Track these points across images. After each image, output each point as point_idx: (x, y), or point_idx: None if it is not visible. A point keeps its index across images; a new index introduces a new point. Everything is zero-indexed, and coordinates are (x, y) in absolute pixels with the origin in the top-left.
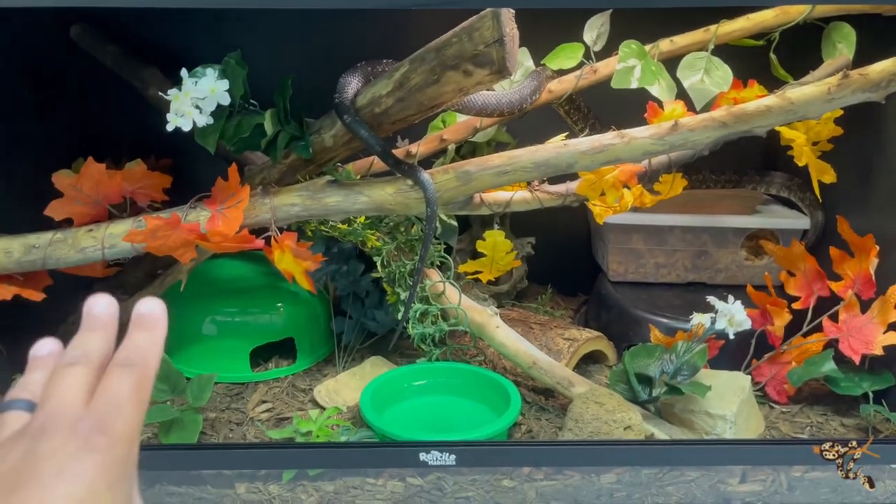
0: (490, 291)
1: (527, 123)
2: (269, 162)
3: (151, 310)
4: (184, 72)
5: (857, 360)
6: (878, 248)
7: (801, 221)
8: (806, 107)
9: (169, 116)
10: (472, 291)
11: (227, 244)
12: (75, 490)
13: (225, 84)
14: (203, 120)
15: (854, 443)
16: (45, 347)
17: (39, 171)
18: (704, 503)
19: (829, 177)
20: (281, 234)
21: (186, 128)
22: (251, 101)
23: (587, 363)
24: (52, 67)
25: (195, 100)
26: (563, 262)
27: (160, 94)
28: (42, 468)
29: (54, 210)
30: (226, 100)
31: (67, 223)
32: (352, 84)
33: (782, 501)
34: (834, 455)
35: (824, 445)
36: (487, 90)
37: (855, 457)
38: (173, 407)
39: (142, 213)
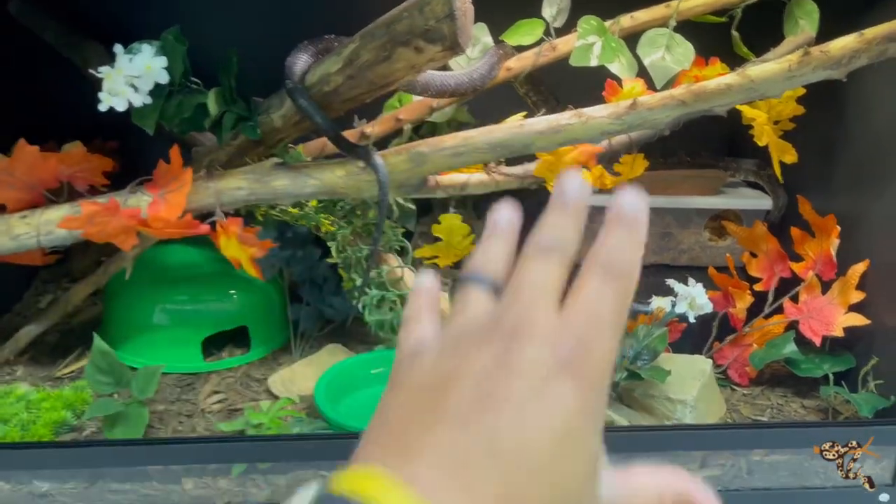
0: (452, 276)
1: (489, 102)
2: (217, 143)
3: (634, 206)
4: (118, 48)
5: (817, 341)
6: (839, 228)
7: (763, 202)
8: (766, 85)
9: (101, 96)
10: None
11: (170, 230)
12: (552, 419)
13: (162, 61)
14: (139, 99)
15: (854, 443)
16: (504, 215)
17: None
18: None
19: (791, 157)
20: (227, 218)
21: (121, 108)
22: (194, 79)
23: None
24: None
25: (129, 78)
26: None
27: (91, 71)
28: (517, 385)
29: None
30: (163, 78)
31: (0, 209)
32: (299, 65)
33: (742, 485)
34: (834, 455)
35: (824, 445)
36: (442, 68)
37: (855, 457)
38: (118, 400)
39: (81, 198)
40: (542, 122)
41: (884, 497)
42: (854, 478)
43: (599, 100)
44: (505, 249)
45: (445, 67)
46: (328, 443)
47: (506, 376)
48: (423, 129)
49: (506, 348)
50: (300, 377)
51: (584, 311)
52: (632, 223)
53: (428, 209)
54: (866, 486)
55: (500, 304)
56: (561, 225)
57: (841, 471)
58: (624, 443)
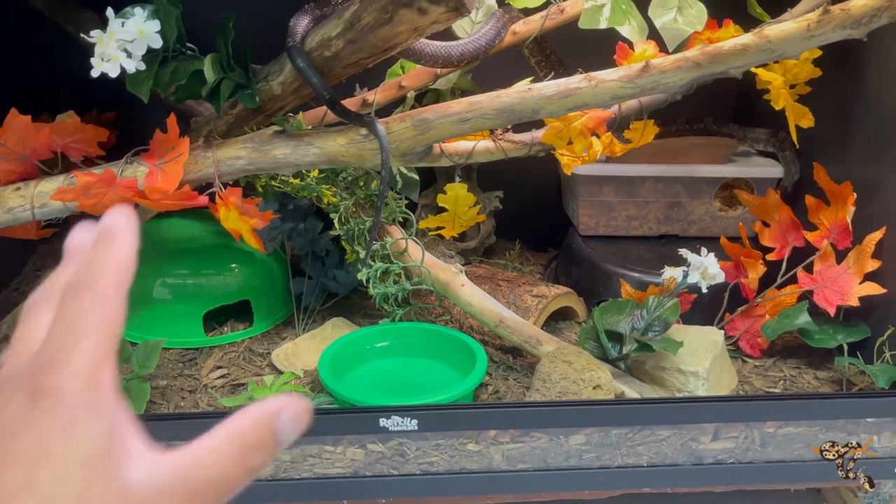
0: (457, 248)
1: (492, 68)
2: (215, 113)
3: (112, 221)
4: (109, 11)
5: (832, 311)
6: (855, 195)
7: (775, 170)
8: (784, 45)
9: (93, 61)
10: (438, 248)
11: (168, 202)
12: (23, 449)
13: (155, 25)
14: (132, 65)
15: (854, 443)
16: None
17: None
18: (676, 462)
19: (808, 121)
20: (226, 189)
21: (113, 73)
22: (189, 45)
23: (557, 320)
24: None
25: (122, 42)
26: (533, 216)
27: (83, 35)
28: None
29: None
30: (157, 42)
31: None
32: (301, 26)
33: (755, 458)
34: (834, 455)
35: (824, 445)
36: (445, 32)
37: (855, 457)
38: (119, 376)
39: (75, 169)
40: (552, 86)
41: None
42: (854, 478)
43: (609, 65)
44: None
45: (449, 31)
46: (333, 417)
47: None
48: (427, 96)
49: None
50: (303, 351)
51: (56, 331)
52: (106, 237)
53: (432, 180)
54: (866, 485)
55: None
56: (93, 260)
57: (841, 470)
58: (635, 416)
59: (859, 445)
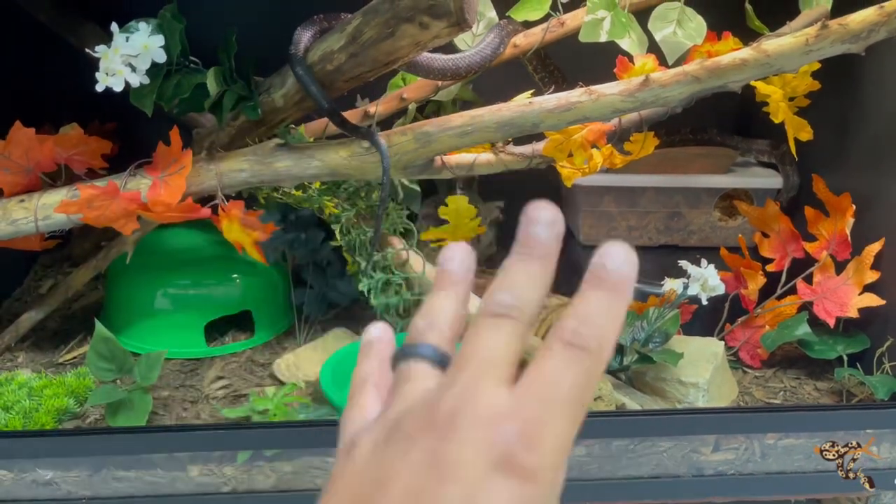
0: None
1: (494, 80)
2: (217, 125)
3: (619, 267)
4: (114, 26)
5: (831, 322)
6: (854, 207)
7: (774, 181)
8: (783, 59)
9: (98, 76)
10: (435, 258)
11: (171, 214)
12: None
13: (159, 40)
14: (137, 79)
15: (854, 443)
16: (455, 260)
17: None
18: (677, 473)
19: (806, 134)
20: (228, 201)
21: (118, 88)
22: (192, 58)
23: None
24: None
25: (126, 57)
26: None
27: (87, 51)
28: (448, 492)
29: None
30: (161, 57)
31: None
32: (306, 37)
33: (756, 469)
34: (834, 455)
35: (824, 445)
36: (447, 44)
37: (855, 457)
38: (121, 387)
39: (79, 181)
40: (552, 99)
41: None
42: (854, 478)
43: (608, 77)
44: (453, 307)
45: (450, 43)
46: (334, 429)
47: (437, 480)
48: (427, 107)
49: (439, 443)
50: (305, 362)
51: (538, 390)
52: (613, 289)
53: (432, 190)
54: (866, 485)
55: (442, 383)
56: (521, 281)
57: (841, 471)
58: (635, 427)
59: (859, 445)
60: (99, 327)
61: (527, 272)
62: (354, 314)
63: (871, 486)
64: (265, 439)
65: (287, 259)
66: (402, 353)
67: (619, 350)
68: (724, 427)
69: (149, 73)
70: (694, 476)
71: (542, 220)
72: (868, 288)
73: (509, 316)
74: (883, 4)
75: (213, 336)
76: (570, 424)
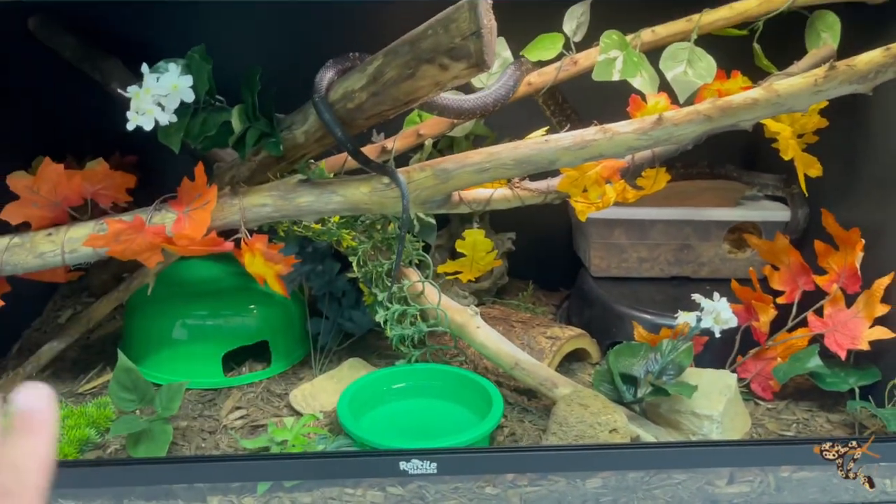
0: (471, 288)
1: (506, 116)
2: (239, 159)
3: (36, 406)
4: (144, 67)
5: (842, 355)
6: (863, 241)
7: (782, 214)
8: (793, 99)
9: (129, 115)
10: (452, 289)
11: (195, 248)
12: None
13: (188, 80)
14: (166, 118)
15: (854, 443)
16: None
17: None
18: None
19: (815, 170)
20: (251, 235)
21: (148, 127)
22: (217, 96)
23: (570, 361)
24: (7, 62)
25: (157, 97)
26: (545, 256)
27: (119, 91)
28: None
29: (10, 213)
30: (189, 96)
31: (25, 227)
32: (327, 77)
33: (770, 502)
34: (834, 455)
35: (824, 445)
36: (466, 83)
37: (855, 457)
38: (142, 417)
39: (104, 215)
40: (568, 137)
41: None
42: (854, 478)
43: (621, 114)
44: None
45: (467, 82)
46: (353, 460)
47: None
48: (441, 142)
49: None
50: (321, 392)
51: None
52: (32, 427)
53: (446, 221)
54: (866, 485)
55: None
56: None
57: (841, 470)
58: (651, 459)
59: (860, 445)
60: (122, 358)
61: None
62: (369, 344)
63: (871, 486)
64: (285, 470)
65: (304, 290)
66: None
67: (633, 382)
68: (739, 459)
69: (177, 111)
70: None
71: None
72: (878, 321)
73: None
74: (889, 46)
75: (230, 366)
76: None
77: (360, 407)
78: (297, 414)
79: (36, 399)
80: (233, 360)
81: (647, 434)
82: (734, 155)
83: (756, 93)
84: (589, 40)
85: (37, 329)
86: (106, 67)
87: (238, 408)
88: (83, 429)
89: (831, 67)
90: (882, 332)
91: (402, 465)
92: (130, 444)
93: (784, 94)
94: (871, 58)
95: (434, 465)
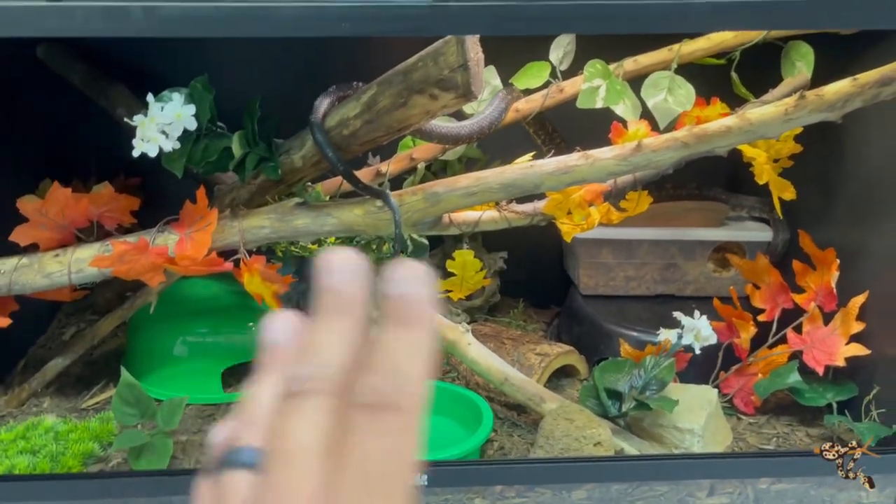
0: (463, 306)
1: (497, 140)
2: (239, 182)
3: (414, 292)
4: (150, 97)
5: (820, 371)
6: (838, 261)
7: (765, 234)
8: (764, 127)
9: (135, 142)
10: (445, 307)
11: (196, 268)
12: None
13: (191, 109)
14: (169, 145)
15: (854, 443)
16: (280, 330)
17: (4, 195)
18: None
19: (790, 194)
20: (250, 256)
21: (153, 154)
22: (219, 123)
23: (559, 377)
24: (15, 86)
25: (161, 125)
26: (536, 275)
27: (126, 119)
28: None
29: (20, 235)
30: (192, 124)
31: (33, 248)
32: (325, 104)
33: None
34: (834, 455)
35: (824, 445)
36: (456, 111)
37: (855, 457)
38: (144, 432)
39: (109, 236)
40: (552, 163)
41: None
42: (854, 478)
43: (604, 138)
44: (271, 393)
45: (458, 109)
46: None
47: None
48: (434, 165)
49: None
50: None
51: (352, 478)
52: (410, 319)
53: (439, 242)
54: (866, 485)
55: (256, 494)
56: (322, 345)
57: (841, 471)
58: (633, 472)
59: (859, 445)
60: (124, 374)
61: (328, 332)
62: None
63: (871, 486)
64: None
65: (300, 308)
66: (220, 462)
67: (618, 397)
68: (719, 472)
69: (180, 138)
70: None
71: (339, 269)
72: (854, 338)
73: (312, 391)
74: (857, 77)
75: (230, 382)
76: (401, 496)
77: None
78: None
79: (414, 282)
80: (232, 377)
81: (631, 447)
82: (719, 177)
83: (730, 121)
84: (574, 69)
85: (42, 346)
86: (113, 94)
87: None
88: (87, 443)
89: (801, 97)
90: (858, 349)
91: None
92: (133, 458)
93: (756, 122)
94: (839, 88)
95: (424, 477)
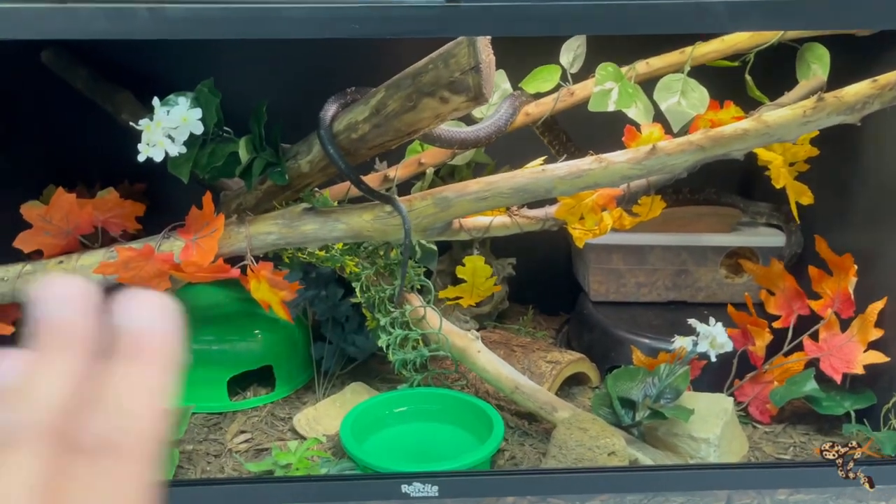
0: (471, 313)
1: (506, 144)
2: (245, 188)
3: (148, 326)
4: (156, 101)
5: (838, 379)
6: (856, 266)
7: (778, 239)
8: (782, 130)
9: (140, 147)
10: (454, 314)
11: (202, 274)
12: None
13: (197, 113)
14: (175, 150)
15: (854, 443)
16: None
17: (8, 201)
18: None
19: (807, 198)
20: (257, 262)
21: (158, 158)
22: (225, 127)
23: (570, 385)
24: (20, 92)
25: (167, 129)
26: (545, 281)
27: (131, 123)
28: None
29: (23, 242)
30: (198, 129)
31: (37, 255)
32: (332, 109)
33: None
34: (834, 455)
35: (824, 445)
36: (465, 115)
37: (855, 457)
38: None
39: (114, 242)
40: (564, 167)
41: None
42: (854, 478)
43: (616, 142)
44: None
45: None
46: (356, 483)
47: None
48: (442, 170)
49: None
50: (324, 416)
51: None
52: (146, 356)
53: (447, 247)
54: (866, 485)
55: None
56: (41, 382)
57: (841, 470)
58: (649, 482)
59: (860, 445)
60: None
61: (45, 371)
62: (371, 368)
63: (871, 486)
64: (289, 493)
65: (307, 315)
66: None
67: (632, 406)
68: (736, 483)
69: (186, 143)
70: None
71: (60, 298)
72: (873, 345)
73: (22, 441)
74: (877, 78)
75: (235, 391)
76: None
77: (363, 430)
78: (301, 438)
79: (149, 313)
80: (238, 385)
81: (645, 457)
82: (732, 182)
83: (746, 124)
84: (585, 72)
85: None
86: (118, 99)
87: (243, 431)
88: None
89: (819, 99)
90: (876, 357)
91: (405, 488)
92: None
93: (773, 125)
94: (858, 89)
95: (436, 487)
